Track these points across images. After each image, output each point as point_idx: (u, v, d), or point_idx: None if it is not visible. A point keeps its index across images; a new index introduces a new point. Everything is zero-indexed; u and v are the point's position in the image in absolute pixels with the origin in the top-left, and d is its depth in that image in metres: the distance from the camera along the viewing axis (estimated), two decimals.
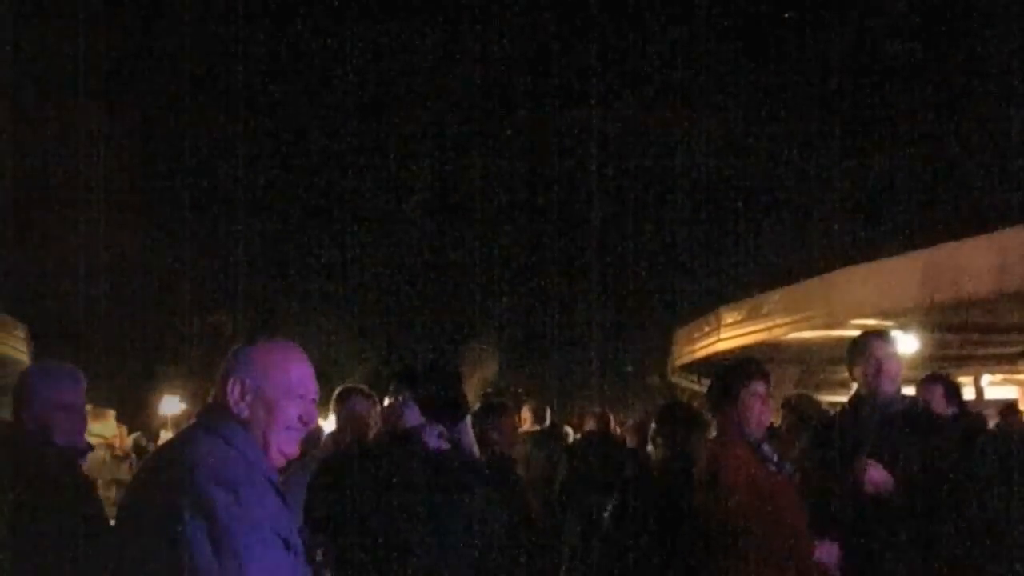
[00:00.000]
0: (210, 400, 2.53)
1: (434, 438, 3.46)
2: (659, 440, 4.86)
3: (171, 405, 22.62)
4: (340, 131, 35.77)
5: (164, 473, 2.34)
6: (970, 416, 5.67)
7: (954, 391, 5.59)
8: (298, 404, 2.49)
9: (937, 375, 5.73)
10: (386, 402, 3.74)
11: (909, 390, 5.39)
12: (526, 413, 8.36)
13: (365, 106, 36.25)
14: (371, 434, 4.72)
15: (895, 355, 4.53)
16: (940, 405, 5.34)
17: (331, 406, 4.95)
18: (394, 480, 3.30)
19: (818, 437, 4.83)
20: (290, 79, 34.70)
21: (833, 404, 14.61)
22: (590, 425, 9.04)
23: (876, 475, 4.22)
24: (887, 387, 4.44)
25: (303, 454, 2.81)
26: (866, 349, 4.53)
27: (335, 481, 3.39)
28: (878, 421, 4.42)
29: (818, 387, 16.63)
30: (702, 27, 31.93)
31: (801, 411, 5.87)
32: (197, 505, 2.23)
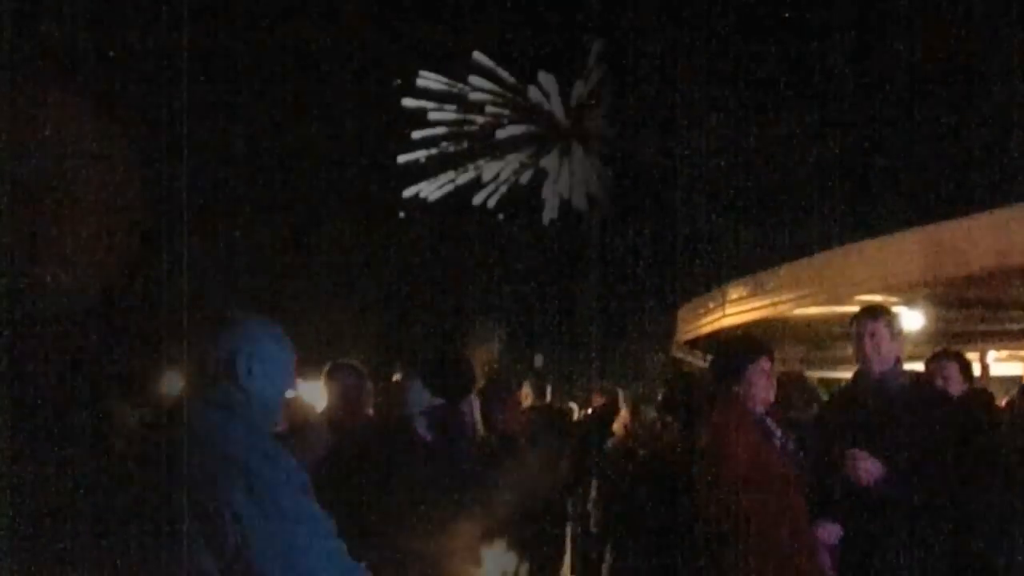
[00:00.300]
0: (199, 373, 2.61)
1: (423, 427, 3.45)
2: (668, 417, 4.84)
3: (175, 383, 22.64)
4: (344, 124, 35.57)
5: (185, 450, 2.46)
6: (981, 394, 5.53)
7: (968, 368, 5.50)
8: (291, 374, 2.75)
9: (951, 351, 5.60)
10: (395, 379, 3.72)
11: (917, 366, 5.33)
12: (527, 389, 8.37)
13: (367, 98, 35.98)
14: (366, 410, 4.69)
15: (886, 331, 4.45)
16: (956, 383, 5.24)
17: (321, 381, 4.91)
18: (394, 480, 3.29)
19: (821, 415, 4.80)
20: (290, 74, 34.39)
21: (838, 380, 14.60)
22: (598, 401, 9.04)
23: (866, 466, 4.15)
24: (876, 365, 4.39)
25: (297, 432, 2.94)
26: (858, 326, 4.49)
27: (337, 480, 3.37)
28: (875, 400, 4.37)
29: (823, 363, 16.61)
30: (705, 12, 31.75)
31: (784, 390, 5.81)
32: (237, 475, 2.38)
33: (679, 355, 21.94)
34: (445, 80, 41.06)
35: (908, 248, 11.28)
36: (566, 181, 42.54)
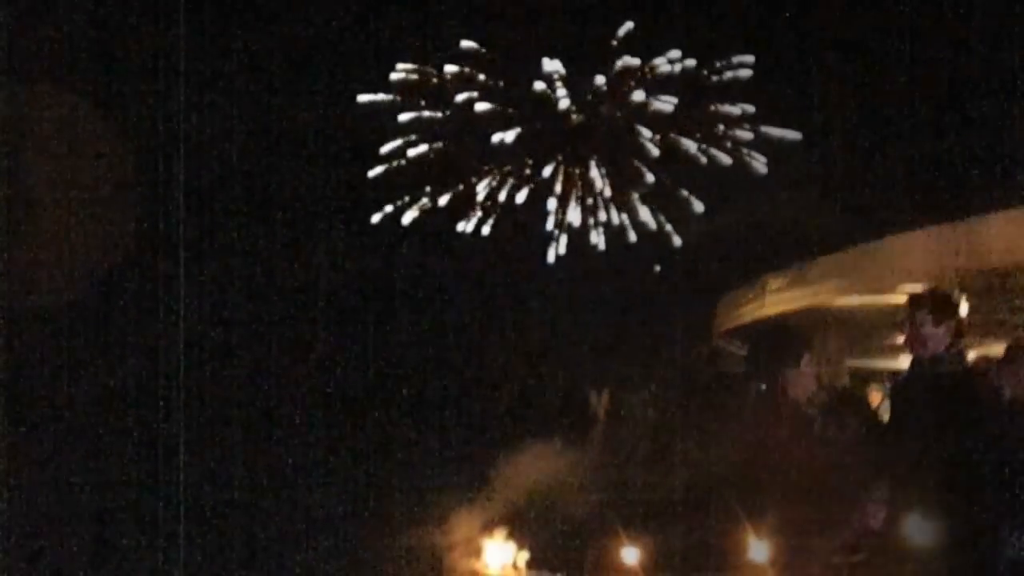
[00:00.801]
0: None
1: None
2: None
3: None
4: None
5: None
6: None
7: None
8: None
9: None
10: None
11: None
12: None
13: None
14: None
15: (930, 319, 4.41)
16: None
17: None
18: None
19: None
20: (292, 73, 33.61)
21: (880, 371, 14.48)
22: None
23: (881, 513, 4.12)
24: (921, 352, 4.39)
25: None
26: (906, 314, 4.48)
27: None
28: (919, 387, 4.36)
29: (867, 353, 16.51)
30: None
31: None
32: None
33: (718, 345, 21.90)
34: (423, 71, 34.03)
35: (950, 238, 11.23)
36: (575, 203, 34.76)
